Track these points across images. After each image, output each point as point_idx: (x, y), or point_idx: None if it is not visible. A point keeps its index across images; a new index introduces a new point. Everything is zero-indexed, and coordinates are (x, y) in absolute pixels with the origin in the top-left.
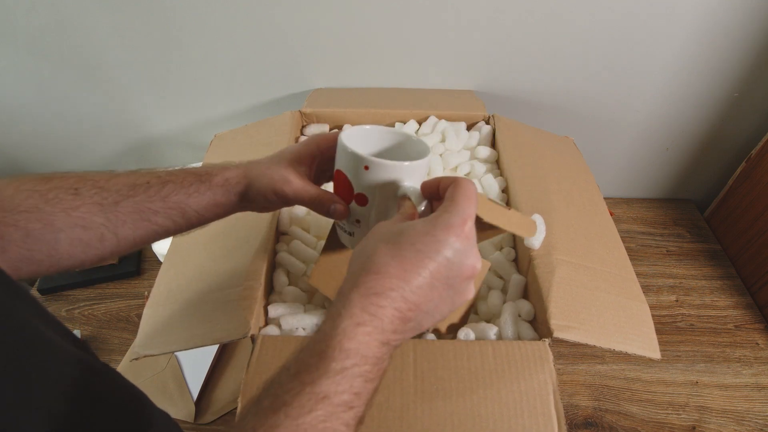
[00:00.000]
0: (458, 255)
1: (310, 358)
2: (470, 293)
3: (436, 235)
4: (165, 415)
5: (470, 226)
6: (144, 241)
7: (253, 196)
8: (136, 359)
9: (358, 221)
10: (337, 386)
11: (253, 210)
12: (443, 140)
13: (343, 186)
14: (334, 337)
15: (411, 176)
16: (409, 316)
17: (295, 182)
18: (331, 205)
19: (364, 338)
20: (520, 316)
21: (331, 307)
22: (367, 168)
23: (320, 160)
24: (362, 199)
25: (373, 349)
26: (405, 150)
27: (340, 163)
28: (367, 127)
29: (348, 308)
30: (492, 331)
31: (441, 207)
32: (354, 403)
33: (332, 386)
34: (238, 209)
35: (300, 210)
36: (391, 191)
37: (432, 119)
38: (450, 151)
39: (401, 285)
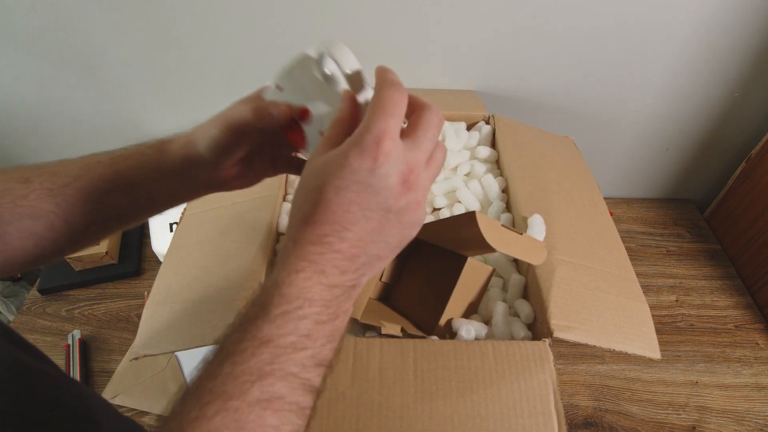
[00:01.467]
0: (380, 178)
1: (251, 310)
2: (419, 213)
3: (350, 165)
4: (115, 416)
5: (388, 143)
6: (97, 227)
7: (199, 150)
8: (136, 359)
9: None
10: (279, 329)
11: (209, 179)
12: (443, 140)
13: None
14: (272, 287)
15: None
16: (354, 252)
17: (238, 111)
18: (274, 110)
19: (305, 283)
20: (519, 316)
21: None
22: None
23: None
24: (305, 114)
25: (318, 291)
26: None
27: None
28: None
29: (285, 261)
30: (484, 330)
31: (358, 126)
32: (305, 345)
33: (274, 330)
34: (191, 182)
35: None
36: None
37: None
38: (450, 151)
39: (334, 228)
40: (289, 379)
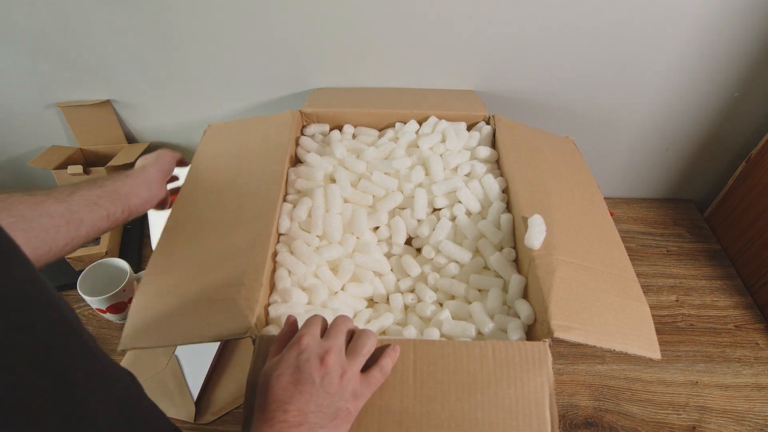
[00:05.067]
0: (304, 361)
1: None
2: (345, 387)
3: (284, 358)
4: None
5: (306, 338)
6: (98, 225)
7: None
8: (124, 351)
9: None
10: None
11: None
12: (443, 140)
13: None
14: None
15: None
16: (297, 421)
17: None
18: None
19: None
20: (519, 317)
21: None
22: None
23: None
24: None
25: None
26: None
27: None
28: None
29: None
30: (471, 328)
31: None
32: None
33: None
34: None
35: (301, 211)
36: None
37: (432, 119)
38: (450, 151)
39: (277, 405)
40: None
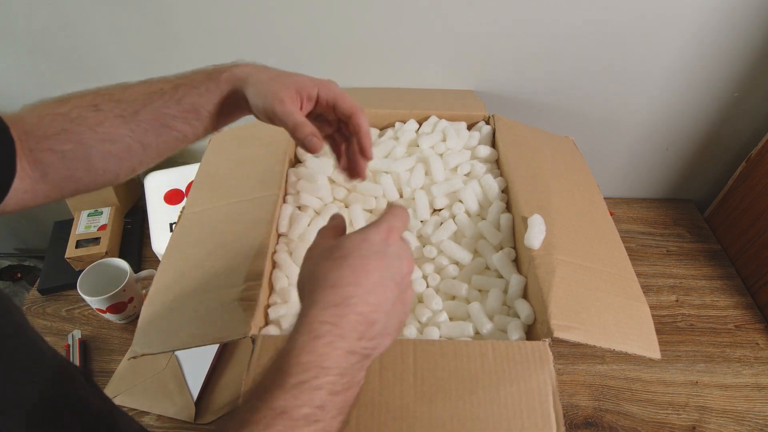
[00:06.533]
0: (392, 253)
1: (268, 377)
2: (412, 292)
3: (369, 239)
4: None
5: (395, 233)
6: (166, 148)
7: (247, 97)
8: (135, 358)
9: None
10: (295, 400)
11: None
12: (444, 140)
13: None
14: (290, 352)
15: None
16: (373, 318)
17: (288, 106)
18: (307, 136)
19: (324, 349)
20: (519, 317)
21: (292, 328)
22: None
23: (314, 109)
24: None
25: (336, 359)
26: None
27: None
28: None
29: (306, 324)
30: (469, 327)
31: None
32: (318, 417)
33: (290, 400)
34: (243, 109)
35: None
36: None
37: (432, 119)
38: (450, 150)
39: (358, 291)
40: None
